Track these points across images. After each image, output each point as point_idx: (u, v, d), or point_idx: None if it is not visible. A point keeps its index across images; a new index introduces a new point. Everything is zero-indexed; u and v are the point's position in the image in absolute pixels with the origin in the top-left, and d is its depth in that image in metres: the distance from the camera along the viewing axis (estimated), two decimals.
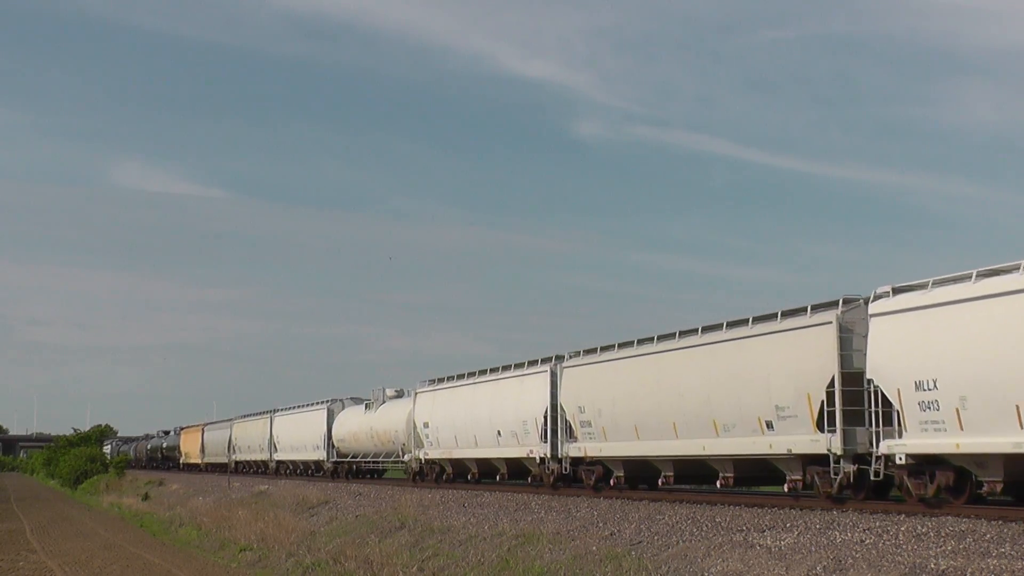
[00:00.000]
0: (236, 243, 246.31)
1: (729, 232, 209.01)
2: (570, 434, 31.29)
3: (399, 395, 47.56)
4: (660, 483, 27.60)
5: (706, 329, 25.88)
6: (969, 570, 14.34)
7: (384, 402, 47.77)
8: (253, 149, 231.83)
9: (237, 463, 71.93)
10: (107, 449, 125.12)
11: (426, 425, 41.14)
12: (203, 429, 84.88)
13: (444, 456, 39.84)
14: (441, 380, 41.51)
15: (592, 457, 30.40)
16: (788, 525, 19.53)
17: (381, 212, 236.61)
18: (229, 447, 73.49)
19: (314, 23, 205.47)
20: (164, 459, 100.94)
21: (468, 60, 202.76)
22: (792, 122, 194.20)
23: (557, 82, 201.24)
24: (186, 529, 39.86)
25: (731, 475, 25.30)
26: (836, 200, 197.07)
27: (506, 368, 36.37)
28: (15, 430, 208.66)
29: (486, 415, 36.42)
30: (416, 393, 42.77)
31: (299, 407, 59.71)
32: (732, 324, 25.05)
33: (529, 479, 34.20)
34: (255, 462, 68.93)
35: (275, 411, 63.63)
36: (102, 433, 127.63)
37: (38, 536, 39.43)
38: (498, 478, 36.77)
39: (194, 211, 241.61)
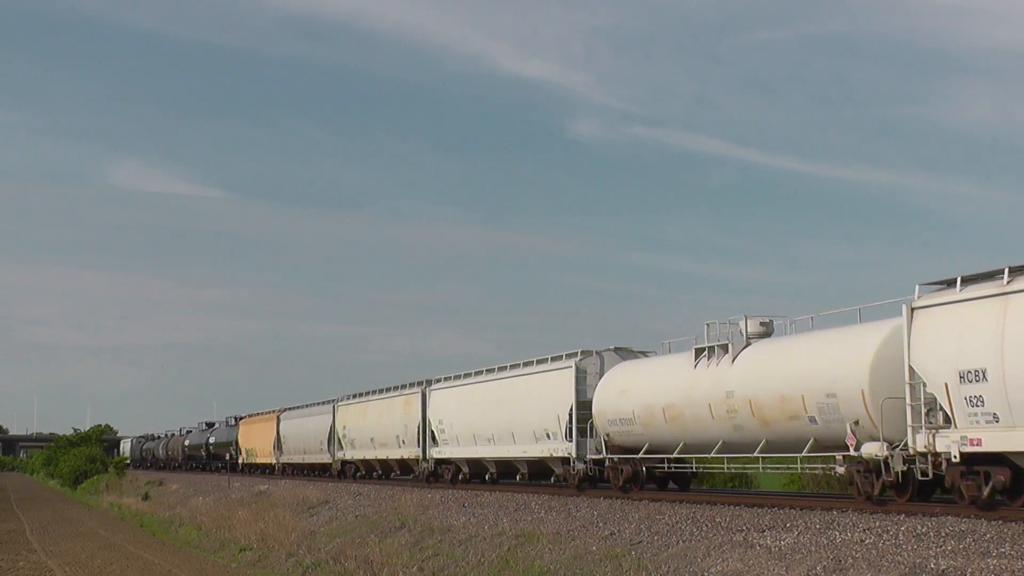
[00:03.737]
0: (235, 243, 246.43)
1: (727, 232, 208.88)
2: None
3: (766, 331, 25.86)
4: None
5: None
6: (969, 570, 14.33)
7: (748, 344, 25.65)
8: (251, 149, 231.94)
9: (347, 464, 51.96)
10: (125, 447, 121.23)
11: (969, 376, 18.73)
12: (278, 417, 63.45)
13: None
14: (1017, 270, 18.62)
15: None
16: (788, 525, 19.53)
17: (380, 212, 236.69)
18: (332, 441, 53.29)
19: (312, 23, 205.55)
20: (211, 458, 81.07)
21: (465, 60, 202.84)
22: (790, 122, 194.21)
23: (554, 82, 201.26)
24: (186, 529, 39.86)
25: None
26: (834, 200, 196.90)
27: None
28: (15, 430, 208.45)
29: None
30: (913, 309, 20.17)
31: (490, 371, 38.03)
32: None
33: None
34: (388, 462, 47.00)
35: (430, 383, 42.63)
36: (102, 433, 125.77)
37: (38, 536, 39.41)
38: None
39: (193, 211, 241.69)
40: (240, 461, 70.73)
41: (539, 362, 34.40)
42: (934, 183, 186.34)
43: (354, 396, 51.55)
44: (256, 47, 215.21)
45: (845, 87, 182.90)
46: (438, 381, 41.88)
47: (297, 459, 59.62)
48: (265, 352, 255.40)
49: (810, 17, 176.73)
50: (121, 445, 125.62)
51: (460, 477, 39.63)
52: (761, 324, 25.81)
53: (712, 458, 26.67)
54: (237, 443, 72.32)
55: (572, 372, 31.69)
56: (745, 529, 19.82)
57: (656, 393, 27.84)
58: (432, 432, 41.03)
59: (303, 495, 41.58)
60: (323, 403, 55.66)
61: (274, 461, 63.04)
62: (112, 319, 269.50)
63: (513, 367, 36.34)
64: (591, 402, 30.60)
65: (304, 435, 57.96)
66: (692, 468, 28.66)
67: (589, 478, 31.07)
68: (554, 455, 32.38)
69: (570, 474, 31.64)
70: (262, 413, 68.93)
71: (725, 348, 25.78)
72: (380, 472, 48.75)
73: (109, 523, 46.51)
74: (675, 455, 27.33)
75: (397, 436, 44.52)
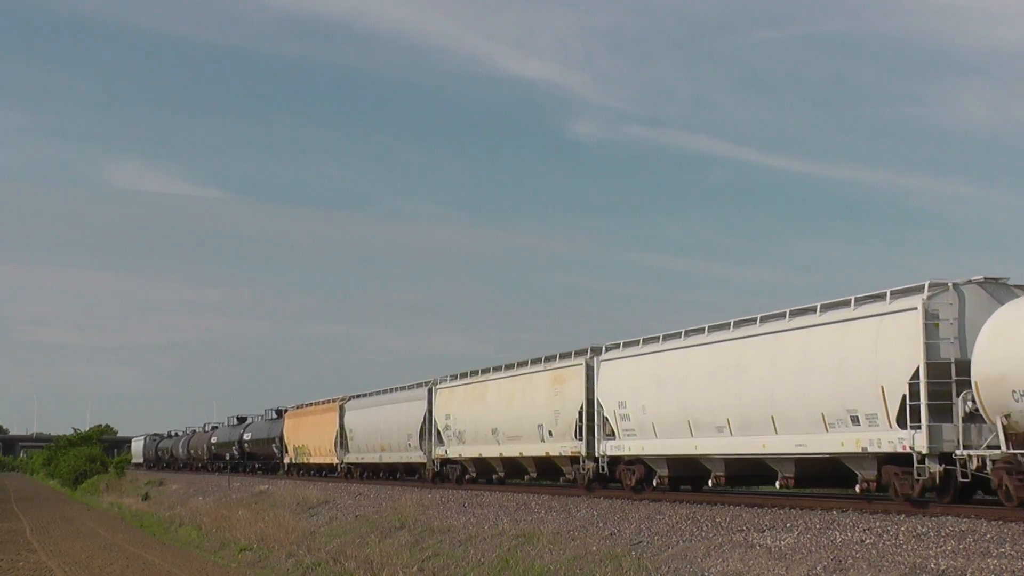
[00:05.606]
0: (234, 243, 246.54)
1: (727, 232, 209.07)
2: None
3: None
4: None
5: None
6: (969, 570, 14.33)
7: None
8: (250, 149, 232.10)
9: (449, 463, 40.20)
10: (137, 446, 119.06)
11: None
12: (342, 407, 52.00)
13: None
14: None
15: None
16: (788, 525, 19.52)
17: (379, 212, 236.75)
18: (428, 434, 41.33)
19: (310, 23, 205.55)
20: (247, 458, 70.41)
21: (464, 60, 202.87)
22: (789, 122, 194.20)
23: (553, 82, 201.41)
24: (186, 529, 39.86)
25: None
26: (833, 200, 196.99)
27: None
28: (15, 430, 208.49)
29: None
30: None
31: (718, 328, 25.70)
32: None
33: None
34: (519, 461, 35.03)
35: (598, 351, 30.88)
36: (102, 433, 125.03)
37: (38, 536, 39.39)
38: None
39: (191, 211, 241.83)
40: (286, 461, 60.78)
41: (827, 307, 22.27)
42: (934, 183, 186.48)
43: (461, 376, 40.08)
44: (254, 47, 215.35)
45: (844, 87, 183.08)
46: (613, 348, 30.30)
47: (372, 458, 47.84)
48: (265, 352, 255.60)
49: (809, 17, 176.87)
50: (133, 444, 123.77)
51: (655, 483, 27.80)
52: None
53: None
54: (282, 439, 61.81)
55: (919, 316, 19.64)
56: (745, 529, 19.81)
57: None
58: (605, 419, 29.64)
59: (303, 495, 41.58)
60: (412, 386, 44.52)
61: (336, 461, 51.84)
62: (112, 319, 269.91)
63: (768, 319, 23.95)
64: (956, 364, 19.23)
65: (383, 428, 46.30)
66: None
67: (940, 488, 19.72)
68: (869, 450, 20.63)
69: (905, 480, 20.12)
70: (318, 403, 57.27)
71: None
72: (502, 474, 37.23)
73: (109, 523, 46.51)
74: None
75: (540, 426, 33.05)
